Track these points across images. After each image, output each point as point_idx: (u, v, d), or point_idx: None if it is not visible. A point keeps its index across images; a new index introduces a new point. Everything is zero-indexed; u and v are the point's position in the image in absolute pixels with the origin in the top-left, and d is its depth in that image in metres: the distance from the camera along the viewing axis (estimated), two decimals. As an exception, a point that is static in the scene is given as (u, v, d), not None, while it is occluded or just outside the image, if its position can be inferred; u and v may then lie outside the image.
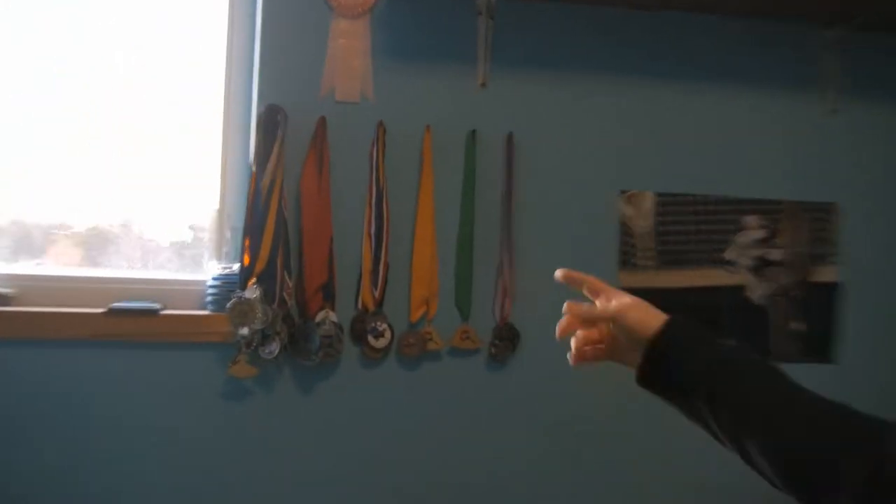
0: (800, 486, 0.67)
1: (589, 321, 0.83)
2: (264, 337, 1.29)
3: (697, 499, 1.49)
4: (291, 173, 1.36)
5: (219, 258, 1.43)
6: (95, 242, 1.42)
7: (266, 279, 1.29)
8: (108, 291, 1.35)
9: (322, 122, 1.38)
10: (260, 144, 1.31)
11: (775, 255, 1.58)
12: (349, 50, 1.37)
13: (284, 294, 1.31)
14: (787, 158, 1.59)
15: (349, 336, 1.40)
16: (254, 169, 1.32)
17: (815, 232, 1.58)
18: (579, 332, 0.84)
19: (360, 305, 1.39)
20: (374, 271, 1.38)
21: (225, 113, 1.44)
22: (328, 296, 1.36)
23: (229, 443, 1.35)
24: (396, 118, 1.41)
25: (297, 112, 1.36)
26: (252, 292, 1.28)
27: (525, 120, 1.48)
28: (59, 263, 1.40)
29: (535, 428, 1.47)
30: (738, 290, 1.56)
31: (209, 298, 1.36)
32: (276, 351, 1.29)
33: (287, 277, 1.33)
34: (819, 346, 1.59)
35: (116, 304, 1.30)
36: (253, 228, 1.31)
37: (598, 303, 0.83)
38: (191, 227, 1.48)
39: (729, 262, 1.56)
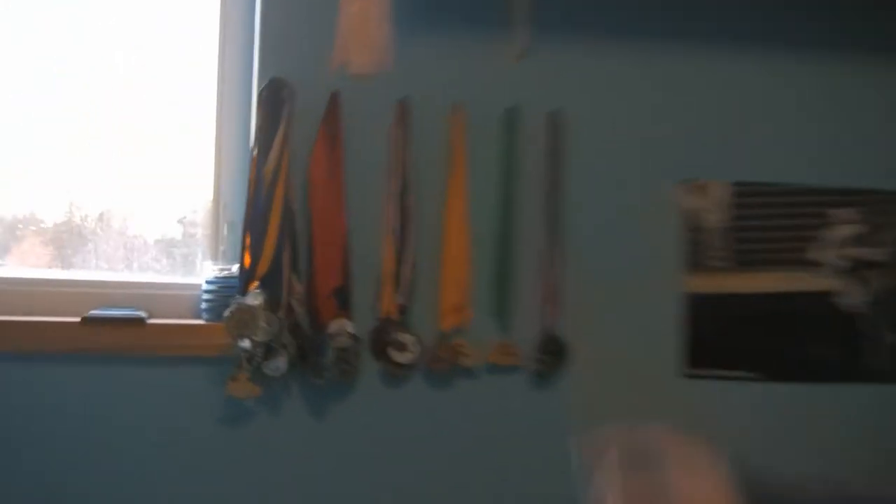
0: None
1: None
2: (268, 350, 1.26)
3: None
4: (299, 159, 1.33)
5: (214, 258, 1.41)
6: (68, 239, 1.40)
7: (270, 283, 1.26)
8: (84, 297, 1.33)
9: (334, 99, 1.34)
10: (262, 125, 1.29)
11: (871, 254, 1.51)
12: (365, 15, 1.35)
13: (292, 300, 1.28)
14: (886, 140, 1.54)
15: (368, 349, 1.37)
16: (255, 153, 1.29)
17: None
18: None
19: (380, 313, 1.36)
20: (398, 273, 1.35)
21: (220, 88, 1.41)
22: (343, 302, 1.32)
23: (227, 474, 1.33)
24: (421, 95, 1.38)
25: (305, 87, 1.33)
26: (254, 298, 1.23)
27: (572, 95, 1.44)
28: (26, 264, 1.39)
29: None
30: (825, 296, 1.50)
31: (203, 305, 1.33)
32: (283, 367, 1.26)
33: (295, 281, 1.30)
34: (923, 364, 1.52)
35: (94, 312, 1.28)
36: (254, 223, 1.28)
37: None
38: (181, 222, 1.46)
39: (814, 263, 1.50)
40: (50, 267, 1.39)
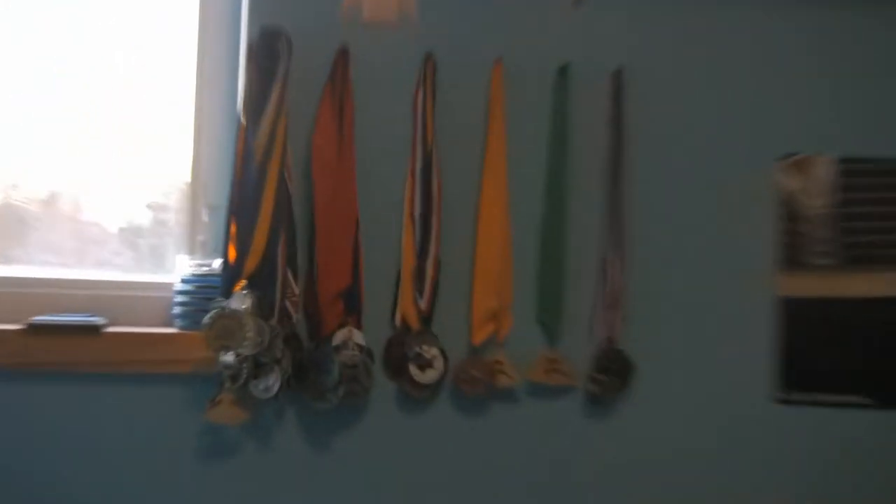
0: None
1: None
2: (258, 366, 1.23)
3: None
4: (299, 128, 1.30)
5: (191, 251, 1.38)
6: (6, 227, 1.37)
7: (261, 282, 1.24)
8: (28, 299, 1.29)
9: (343, 54, 1.31)
10: (252, 86, 1.25)
11: None
12: (383, -51, 1.35)
13: (288, 304, 1.26)
14: None
15: (382, 366, 1.34)
16: (243, 121, 1.25)
17: None
18: None
19: (398, 321, 1.33)
20: (420, 271, 1.32)
21: (200, 39, 1.38)
22: (352, 307, 1.30)
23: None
24: (452, 49, 1.35)
25: (306, 39, 1.30)
26: (240, 301, 1.20)
27: (640, 51, 1.42)
28: (-50, 257, 1.37)
29: (654, 499, 1.44)
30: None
31: (177, 310, 1.29)
32: (276, 387, 1.22)
33: (292, 280, 1.27)
34: None
35: (40, 318, 1.24)
36: (242, 208, 1.25)
37: None
38: (149, 206, 1.41)
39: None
40: (-19, 260, 1.38)
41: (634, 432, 1.41)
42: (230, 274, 1.24)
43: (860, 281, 1.42)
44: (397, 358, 1.33)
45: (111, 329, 1.26)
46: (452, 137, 1.35)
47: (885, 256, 1.44)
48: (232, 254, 1.25)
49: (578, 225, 1.40)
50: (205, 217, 1.38)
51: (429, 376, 1.32)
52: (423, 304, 1.32)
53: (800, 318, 1.41)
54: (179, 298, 1.29)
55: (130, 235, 1.41)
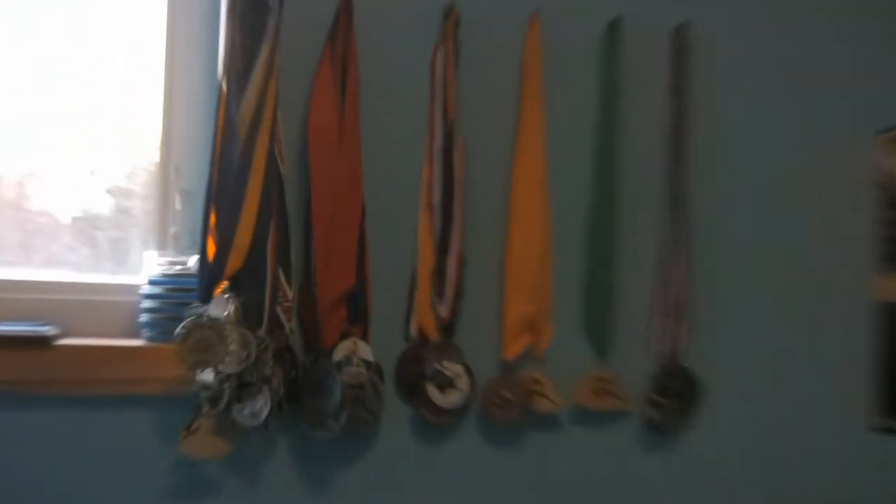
0: None
1: None
2: (243, 387, 1.12)
3: None
4: (292, 97, 1.22)
5: (161, 246, 1.28)
6: None
7: (247, 284, 1.14)
8: None
9: (346, 6, 1.23)
10: (235, 46, 1.16)
11: None
12: None
13: (279, 310, 1.16)
14: None
15: (394, 386, 1.26)
16: (224, 88, 1.16)
17: None
18: None
19: (413, 331, 1.26)
20: (440, 271, 1.25)
21: None
22: (357, 314, 1.22)
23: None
24: (479, 0, 1.30)
25: None
26: (221, 307, 1.11)
27: (708, 3, 1.38)
28: None
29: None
30: None
31: (144, 318, 1.18)
32: (265, 412, 1.12)
33: (284, 281, 1.18)
34: None
35: None
36: (223, 194, 1.15)
37: None
38: (110, 192, 1.30)
39: None
40: None
41: (701, 466, 1.36)
42: (209, 274, 1.14)
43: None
44: (413, 376, 1.25)
45: (64, 341, 1.16)
46: (479, 109, 1.29)
47: None
48: (211, 249, 1.15)
49: (632, 214, 1.33)
50: (177, 205, 1.29)
51: (451, 399, 1.24)
52: (443, 311, 1.25)
53: (904, 329, 1.25)
54: (147, 304, 1.19)
55: (87, 227, 1.32)
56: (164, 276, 1.19)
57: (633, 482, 1.35)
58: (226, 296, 1.12)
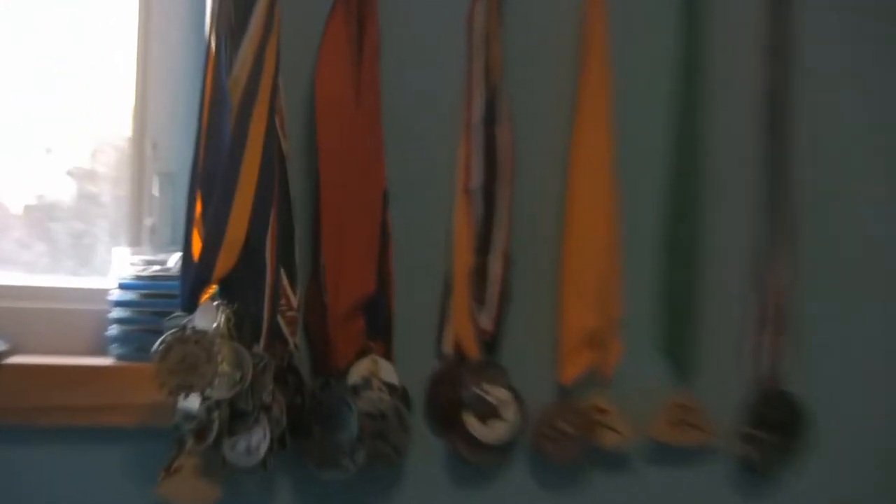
0: None
1: None
2: (237, 417, 1.04)
3: None
4: (297, 58, 1.12)
5: (134, 242, 1.19)
6: None
7: (241, 289, 1.05)
8: None
9: None
10: None
11: None
12: None
13: (281, 321, 1.08)
14: None
15: (424, 416, 1.16)
16: (212, 47, 1.08)
17: None
18: None
19: (447, 348, 1.17)
20: (481, 273, 1.16)
21: None
22: (377, 326, 1.13)
23: None
24: None
25: None
26: (210, 317, 1.02)
27: None
28: None
29: None
30: None
31: (114, 330, 1.10)
32: (263, 448, 1.03)
33: (287, 285, 1.10)
34: None
35: None
36: (211, 177, 1.06)
37: None
38: (71, 174, 1.21)
39: None
40: None
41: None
42: (194, 276, 1.05)
43: None
44: (447, 403, 1.16)
45: (14, 359, 1.07)
46: (528, 73, 1.18)
47: None
48: (196, 245, 1.05)
49: (720, 206, 1.23)
50: (155, 190, 1.20)
51: (495, 431, 1.14)
52: (485, 322, 1.15)
53: None
54: (117, 313, 1.10)
55: (42, 217, 1.24)
56: (139, 278, 1.11)
57: (723, 532, 1.28)
58: (215, 303, 1.03)
